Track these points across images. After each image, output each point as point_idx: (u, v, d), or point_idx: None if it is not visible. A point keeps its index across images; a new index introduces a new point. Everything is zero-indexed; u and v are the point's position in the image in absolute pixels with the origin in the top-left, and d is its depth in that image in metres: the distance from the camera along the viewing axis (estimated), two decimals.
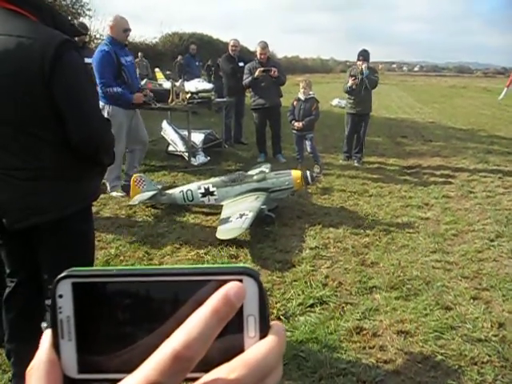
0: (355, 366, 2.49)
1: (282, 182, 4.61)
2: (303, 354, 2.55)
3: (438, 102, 22.58)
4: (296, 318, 2.92)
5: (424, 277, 3.53)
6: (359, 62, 7.01)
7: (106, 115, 5.18)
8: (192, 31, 32.70)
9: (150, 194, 4.70)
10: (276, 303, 3.08)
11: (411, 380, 2.40)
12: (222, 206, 4.52)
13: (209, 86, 7.31)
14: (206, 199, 4.69)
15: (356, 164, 7.30)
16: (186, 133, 6.68)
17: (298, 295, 3.18)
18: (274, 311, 2.96)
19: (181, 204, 4.82)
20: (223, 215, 4.20)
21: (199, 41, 22.60)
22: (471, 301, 3.21)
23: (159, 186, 4.99)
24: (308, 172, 4.69)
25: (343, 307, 3.06)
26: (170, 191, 4.90)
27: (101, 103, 5.22)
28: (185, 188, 4.80)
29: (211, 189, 4.66)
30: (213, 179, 4.88)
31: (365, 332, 2.80)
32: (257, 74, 6.65)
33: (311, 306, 3.07)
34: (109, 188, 5.24)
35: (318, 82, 34.45)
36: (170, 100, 6.41)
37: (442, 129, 12.21)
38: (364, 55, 7.03)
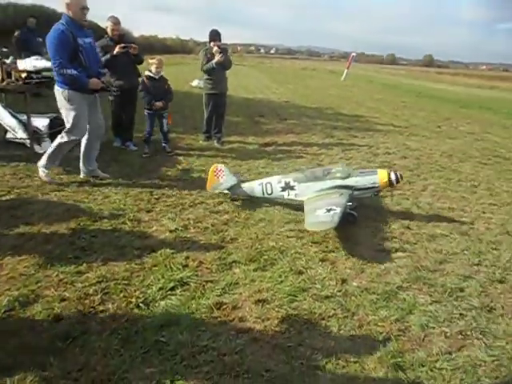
0: (216, 340, 2.54)
1: (367, 180, 4.46)
2: (164, 339, 2.51)
3: (291, 82, 24.07)
4: (157, 304, 2.85)
5: (279, 247, 3.76)
6: (212, 43, 7.02)
7: (64, 99, 4.63)
8: (31, 2, 29.13)
9: (230, 184, 4.73)
10: (135, 291, 2.96)
11: (268, 344, 2.54)
12: (299, 200, 4.50)
13: (49, 64, 6.56)
14: (285, 193, 4.62)
15: (216, 144, 7.39)
16: (25, 117, 5.93)
17: (158, 280, 3.11)
18: (133, 300, 2.85)
19: (259, 197, 4.74)
20: (308, 209, 4.12)
21: (40, 14, 20.19)
22: (320, 263, 3.53)
23: (239, 178, 4.94)
24: (393, 172, 4.51)
25: (204, 286, 3.09)
26: (248, 183, 4.87)
27: (58, 88, 4.64)
28: (264, 181, 4.74)
29: (292, 183, 4.60)
30: (294, 174, 4.83)
31: (225, 306, 2.86)
32: (117, 50, 6.06)
33: (172, 289, 3.02)
34: (44, 172, 4.97)
35: (178, 63, 33.83)
36: None
37: (295, 108, 13.09)
38: (215, 35, 7.06)
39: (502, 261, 3.78)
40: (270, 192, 4.68)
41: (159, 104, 6.26)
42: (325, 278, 3.31)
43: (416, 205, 5.01)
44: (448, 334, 2.74)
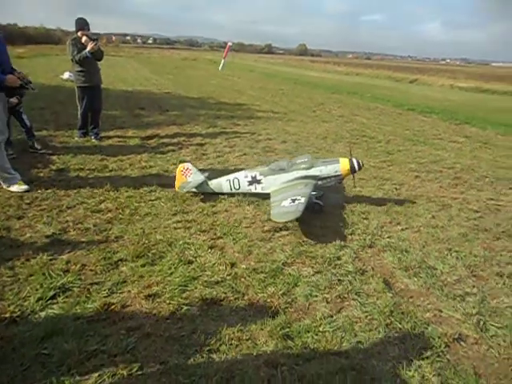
0: (106, 342, 2.44)
1: (330, 169, 4.55)
2: (47, 351, 2.33)
3: (172, 73, 23.61)
4: (36, 316, 2.63)
5: (167, 239, 3.71)
6: (80, 33, 6.55)
7: None
8: None
9: (197, 182, 4.75)
10: (9, 306, 2.69)
11: (161, 337, 2.52)
12: (265, 193, 4.61)
13: None
14: (252, 187, 4.75)
15: (94, 140, 6.97)
16: None
17: (36, 290, 2.87)
18: (7, 315, 2.59)
19: (227, 192, 4.84)
20: (274, 200, 4.22)
21: None
22: (209, 250, 3.58)
23: (205, 175, 4.89)
24: (355, 159, 4.58)
25: (89, 289, 2.93)
26: (215, 180, 4.89)
27: None
28: (231, 177, 4.82)
29: (258, 177, 4.71)
30: (260, 168, 4.88)
31: (113, 307, 2.76)
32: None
33: (53, 297, 2.81)
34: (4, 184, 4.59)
35: (45, 54, 30.94)
36: None
37: (177, 99, 12.90)
38: (83, 24, 6.61)
39: (370, 228, 4.22)
40: (237, 187, 4.80)
41: (14, 100, 5.66)
42: (214, 264, 3.36)
43: None
44: (329, 300, 3.00)
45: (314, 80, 26.22)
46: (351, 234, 4.07)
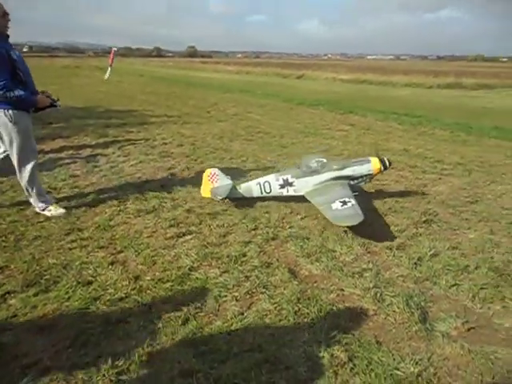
0: None
1: (363, 169, 4.62)
2: None
3: (55, 83, 21.83)
4: None
5: (61, 262, 3.43)
6: None
7: (9, 122, 3.98)
8: None
9: (225, 188, 4.63)
10: None
11: (62, 370, 2.30)
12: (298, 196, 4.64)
13: None
14: (284, 190, 4.70)
15: None
16: None
17: None
18: None
19: (257, 197, 4.77)
20: (318, 203, 4.25)
21: None
22: (109, 267, 3.37)
23: (230, 179, 4.79)
24: (385, 158, 4.78)
25: None
26: (245, 184, 4.84)
27: None
28: (261, 180, 4.76)
29: (290, 179, 4.66)
30: (290, 170, 4.84)
31: (3, 347, 2.47)
32: None
33: None
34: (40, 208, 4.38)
35: None
36: None
37: (61, 109, 11.99)
38: None
39: (272, 221, 4.34)
40: (268, 190, 4.74)
41: None
42: (117, 280, 3.18)
43: (198, 187, 5.25)
44: (238, 297, 3.01)
45: (206, 81, 26.29)
46: (255, 229, 4.14)
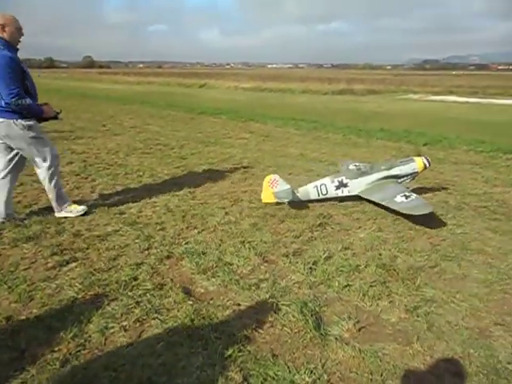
0: None
1: (408, 167, 5.12)
2: None
3: None
4: None
5: None
6: None
7: (25, 130, 4.13)
8: None
9: (286, 192, 4.92)
10: None
11: None
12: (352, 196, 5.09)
13: None
14: (339, 191, 5.07)
15: None
16: None
17: None
18: None
19: (314, 199, 5.11)
20: (379, 199, 4.72)
21: None
22: None
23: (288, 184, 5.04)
24: (425, 158, 5.28)
25: None
26: (302, 188, 5.13)
27: (12, 119, 4.06)
28: (318, 183, 5.11)
29: (345, 181, 5.05)
30: (343, 173, 5.20)
31: None
32: None
33: None
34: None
35: None
36: None
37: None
38: None
39: (167, 238, 4.14)
40: (324, 192, 5.09)
41: None
42: None
43: (87, 205, 4.86)
44: (127, 327, 2.77)
45: (104, 92, 25.06)
46: (148, 249, 3.90)
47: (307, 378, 2.34)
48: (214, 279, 3.37)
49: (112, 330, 2.74)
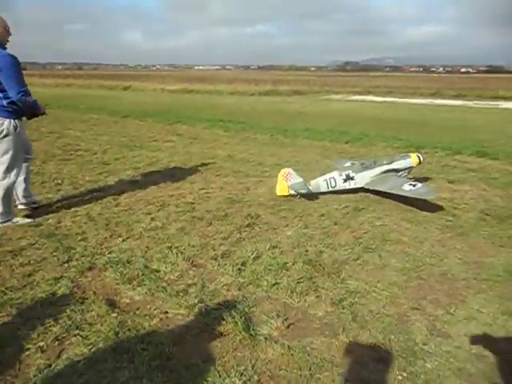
0: None
1: (406, 162, 5.78)
2: None
3: None
4: None
5: None
6: None
7: (13, 131, 4.21)
8: None
9: (300, 184, 5.30)
10: None
11: None
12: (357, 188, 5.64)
13: None
14: (347, 184, 5.56)
15: None
16: None
17: None
18: None
19: (324, 191, 5.51)
20: (386, 188, 5.31)
21: None
22: None
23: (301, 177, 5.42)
24: (419, 154, 5.95)
25: None
26: (313, 181, 5.49)
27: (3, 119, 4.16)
28: (327, 176, 5.53)
29: (351, 174, 5.56)
30: (349, 167, 5.72)
31: None
32: None
33: None
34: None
35: None
36: None
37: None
38: None
39: (89, 249, 3.91)
40: (333, 185, 5.50)
41: None
42: None
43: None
44: (44, 347, 2.57)
45: None
46: (68, 261, 3.66)
47: (237, 381, 2.33)
48: (140, 288, 3.25)
49: (28, 352, 2.53)
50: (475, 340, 2.72)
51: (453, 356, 2.56)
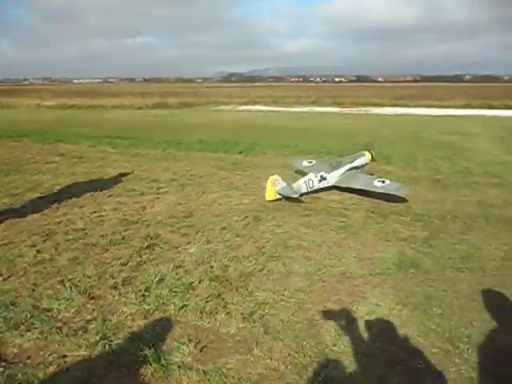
0: None
1: (363, 160, 6.77)
2: None
3: None
4: None
5: None
6: None
7: None
8: None
9: (286, 188, 5.87)
10: None
11: None
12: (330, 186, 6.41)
13: None
14: (321, 184, 6.28)
15: None
16: None
17: None
18: None
19: (304, 192, 6.10)
20: (359, 186, 6.11)
21: None
22: None
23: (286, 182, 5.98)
24: (371, 152, 6.96)
25: None
26: (295, 184, 6.12)
27: None
28: (306, 178, 6.23)
29: (324, 175, 6.31)
30: (321, 169, 6.44)
31: None
32: None
33: None
34: None
35: None
36: None
37: None
38: None
39: None
40: (312, 186, 6.18)
41: None
42: None
43: None
44: None
45: None
46: None
47: None
48: (29, 333, 2.87)
49: None
50: (377, 334, 2.90)
51: (359, 353, 2.70)
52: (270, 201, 5.85)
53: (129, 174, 7.73)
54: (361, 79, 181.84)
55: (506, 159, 9.30)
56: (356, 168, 6.66)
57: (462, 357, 2.66)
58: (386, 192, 5.80)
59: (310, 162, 7.05)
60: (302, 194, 6.03)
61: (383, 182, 5.96)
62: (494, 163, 8.46)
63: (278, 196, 5.86)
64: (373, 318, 3.10)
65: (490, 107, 26.06)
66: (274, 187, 5.84)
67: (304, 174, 6.61)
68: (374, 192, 5.95)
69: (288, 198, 5.89)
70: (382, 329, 2.97)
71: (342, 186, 6.32)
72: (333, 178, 6.40)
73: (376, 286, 3.57)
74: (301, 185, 6.14)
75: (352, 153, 7.15)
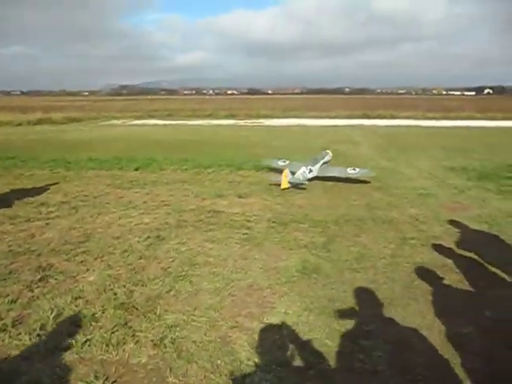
0: None
1: (329, 157, 9.17)
2: None
3: None
4: None
5: None
6: None
7: None
8: None
9: (296, 178, 7.87)
10: None
11: None
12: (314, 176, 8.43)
13: None
14: (310, 174, 8.24)
15: None
16: None
17: None
18: None
19: (303, 180, 8.00)
20: (335, 174, 8.34)
21: None
22: None
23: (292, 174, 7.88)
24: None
25: None
26: (296, 175, 7.96)
27: None
28: (301, 170, 8.10)
29: (312, 168, 8.35)
30: (309, 162, 8.58)
31: None
32: None
33: None
34: None
35: None
36: None
37: None
38: None
39: None
40: (306, 176, 8.13)
41: None
42: None
43: None
44: None
45: None
46: None
47: None
48: None
49: None
50: (288, 342, 2.99)
51: (273, 363, 2.75)
52: (283, 189, 7.55)
53: (11, 198, 6.97)
54: (252, 92, 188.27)
55: (385, 165, 10.34)
56: (326, 163, 8.93)
57: (365, 352, 2.86)
58: (359, 176, 8.15)
59: (284, 162, 9.13)
60: (301, 183, 7.90)
61: (354, 169, 8.25)
62: (376, 168, 9.32)
63: (289, 185, 7.61)
64: (283, 326, 3.19)
65: (368, 117, 28.85)
66: (286, 178, 7.58)
67: (280, 171, 8.08)
68: (348, 178, 8.14)
69: (296, 186, 7.73)
70: (293, 336, 3.07)
71: (322, 175, 8.37)
72: (315, 170, 8.43)
73: (283, 294, 3.69)
74: (299, 175, 8.00)
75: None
